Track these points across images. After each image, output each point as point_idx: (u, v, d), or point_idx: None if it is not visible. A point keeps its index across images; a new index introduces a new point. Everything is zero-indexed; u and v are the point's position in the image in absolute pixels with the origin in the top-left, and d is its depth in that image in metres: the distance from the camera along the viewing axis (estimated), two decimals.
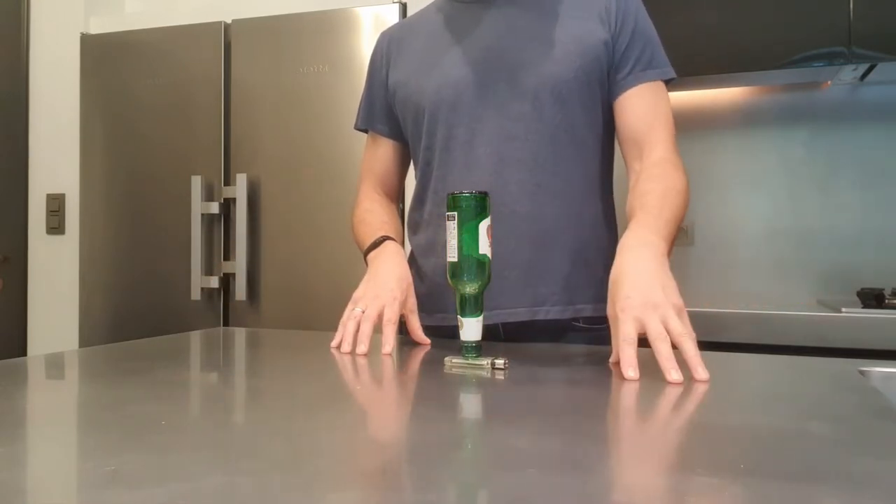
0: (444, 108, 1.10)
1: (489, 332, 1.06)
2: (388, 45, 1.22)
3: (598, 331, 1.10)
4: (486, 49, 1.09)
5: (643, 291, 0.81)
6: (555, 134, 1.07)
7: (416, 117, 1.15)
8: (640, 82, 1.08)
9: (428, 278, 1.14)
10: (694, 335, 0.79)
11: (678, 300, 0.81)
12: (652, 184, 1.00)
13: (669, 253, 0.91)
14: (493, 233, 0.97)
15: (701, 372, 0.75)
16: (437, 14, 1.19)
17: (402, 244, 1.17)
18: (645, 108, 1.08)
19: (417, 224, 1.19)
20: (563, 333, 1.08)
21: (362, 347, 0.94)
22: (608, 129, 1.13)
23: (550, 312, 1.07)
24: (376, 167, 1.27)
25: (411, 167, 1.27)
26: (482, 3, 1.13)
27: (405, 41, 1.20)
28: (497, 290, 1.04)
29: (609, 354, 0.95)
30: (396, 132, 1.23)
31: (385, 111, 1.23)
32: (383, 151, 1.26)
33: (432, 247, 1.14)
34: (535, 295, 1.07)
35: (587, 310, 1.09)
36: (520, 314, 1.07)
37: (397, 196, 1.30)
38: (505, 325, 1.08)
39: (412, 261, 1.19)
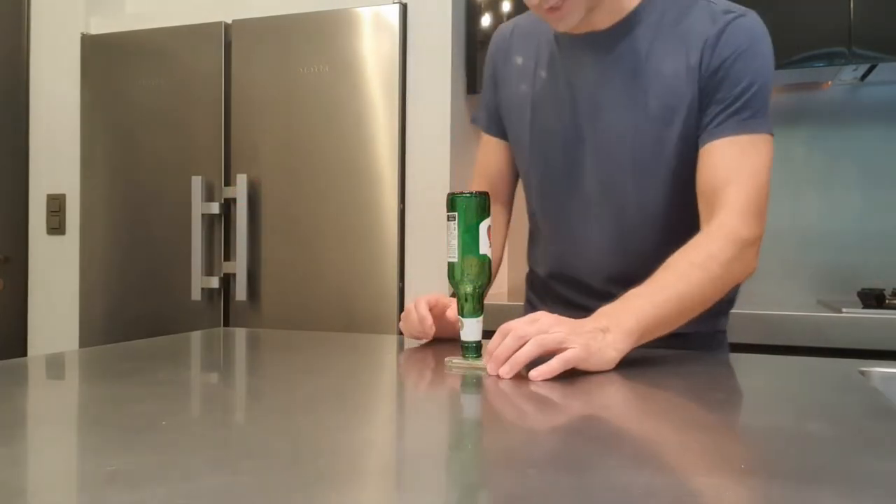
0: (539, 163, 1.10)
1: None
2: (496, 54, 1.17)
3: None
4: (582, 101, 1.05)
5: (562, 320, 0.78)
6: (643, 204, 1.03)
7: (518, 151, 1.14)
8: (725, 135, 0.95)
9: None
10: (544, 344, 0.75)
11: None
12: (683, 254, 0.90)
13: (656, 333, 0.84)
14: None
15: (505, 369, 0.75)
16: (542, 38, 1.11)
17: (500, 256, 1.20)
18: (725, 164, 0.95)
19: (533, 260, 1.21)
20: None
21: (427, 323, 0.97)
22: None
23: None
24: (490, 168, 1.22)
25: None
26: (587, 43, 1.03)
27: (510, 56, 1.14)
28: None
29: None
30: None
31: (498, 116, 1.19)
32: (497, 153, 1.21)
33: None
34: None
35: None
36: None
37: (509, 201, 1.24)
38: None
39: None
